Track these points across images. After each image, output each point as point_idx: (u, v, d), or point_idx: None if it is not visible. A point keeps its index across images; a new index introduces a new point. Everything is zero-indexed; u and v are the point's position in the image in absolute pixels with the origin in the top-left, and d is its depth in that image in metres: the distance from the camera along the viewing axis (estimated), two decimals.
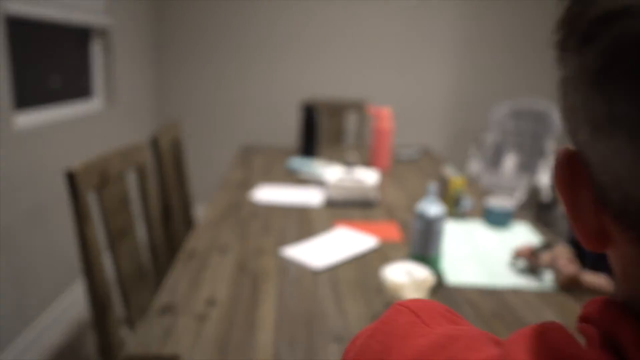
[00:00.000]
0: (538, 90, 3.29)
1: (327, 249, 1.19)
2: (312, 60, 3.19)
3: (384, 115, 1.99)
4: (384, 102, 3.25)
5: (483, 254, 1.20)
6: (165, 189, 1.70)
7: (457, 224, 1.40)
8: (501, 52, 3.21)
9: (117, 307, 2.12)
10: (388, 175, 1.95)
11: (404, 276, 0.82)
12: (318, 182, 1.82)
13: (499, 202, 1.41)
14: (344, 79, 3.22)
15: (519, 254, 1.10)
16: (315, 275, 1.06)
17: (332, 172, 1.65)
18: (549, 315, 0.93)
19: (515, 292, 1.02)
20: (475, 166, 2.94)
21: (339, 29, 3.15)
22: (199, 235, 1.26)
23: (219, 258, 1.13)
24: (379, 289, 1.01)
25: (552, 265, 1.04)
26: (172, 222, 1.72)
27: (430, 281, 0.80)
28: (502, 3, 3.11)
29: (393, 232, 1.33)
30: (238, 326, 0.86)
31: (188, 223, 1.97)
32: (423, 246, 1.06)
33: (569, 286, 1.00)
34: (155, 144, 1.64)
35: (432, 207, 1.04)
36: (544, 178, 2.73)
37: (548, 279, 1.08)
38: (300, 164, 1.99)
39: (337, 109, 2.75)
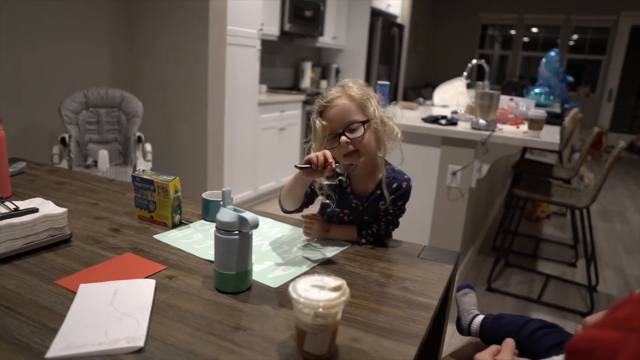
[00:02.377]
0: (104, 81, 3.14)
1: (111, 319, 0.82)
2: None
3: None
4: None
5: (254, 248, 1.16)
6: None
7: (190, 232, 1.26)
8: (62, 47, 2.86)
9: None
10: (20, 199, 1.42)
11: (324, 292, 0.73)
12: None
13: (211, 194, 1.37)
14: None
15: None
16: (147, 355, 0.74)
17: None
18: (357, 267, 1.06)
19: (325, 266, 1.08)
20: (64, 166, 2.52)
21: None
22: None
23: None
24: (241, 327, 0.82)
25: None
26: None
27: (345, 284, 0.75)
28: (59, 3, 2.69)
29: (146, 263, 1.06)
30: None
31: None
32: (243, 261, 0.94)
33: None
34: None
35: (247, 215, 0.92)
36: (142, 165, 2.70)
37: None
38: None
39: None
